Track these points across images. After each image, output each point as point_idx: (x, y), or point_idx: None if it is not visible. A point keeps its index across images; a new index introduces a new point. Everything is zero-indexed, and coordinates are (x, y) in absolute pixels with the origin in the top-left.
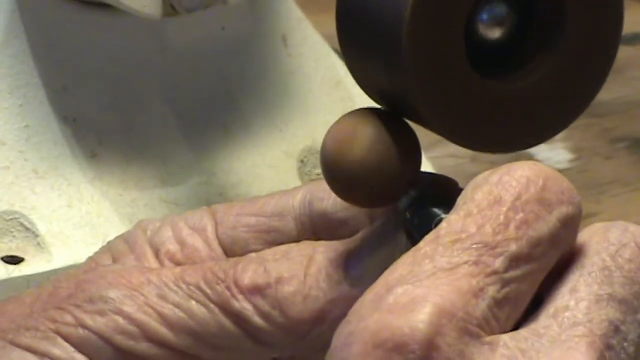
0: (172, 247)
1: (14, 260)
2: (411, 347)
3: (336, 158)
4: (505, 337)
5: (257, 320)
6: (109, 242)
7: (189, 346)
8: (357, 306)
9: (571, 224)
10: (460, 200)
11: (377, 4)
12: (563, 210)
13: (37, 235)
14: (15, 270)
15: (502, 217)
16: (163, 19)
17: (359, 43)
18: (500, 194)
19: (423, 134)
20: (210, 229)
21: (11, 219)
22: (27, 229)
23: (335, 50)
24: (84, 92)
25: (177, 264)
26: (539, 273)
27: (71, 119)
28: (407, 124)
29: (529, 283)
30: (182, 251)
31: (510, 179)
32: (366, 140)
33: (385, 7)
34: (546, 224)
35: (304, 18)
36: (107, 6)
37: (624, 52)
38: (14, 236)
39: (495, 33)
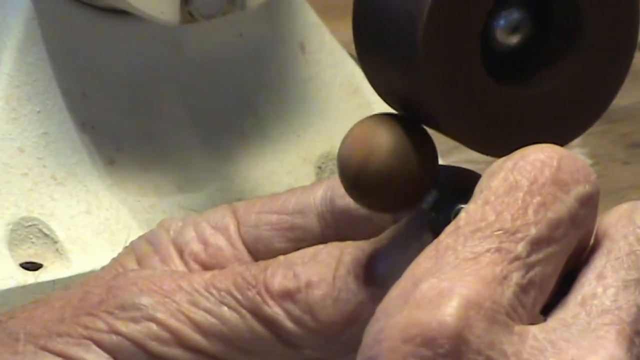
0: (196, 247)
1: (32, 266)
2: (440, 341)
3: (353, 165)
4: (535, 329)
5: (289, 324)
6: (132, 243)
7: (221, 351)
8: (384, 303)
9: (589, 202)
10: (477, 189)
11: (394, 10)
12: (580, 189)
13: (55, 242)
14: (34, 277)
15: (519, 202)
16: (181, 26)
17: (375, 49)
18: (516, 179)
19: (440, 140)
20: (232, 228)
21: (30, 226)
22: (45, 235)
23: (353, 57)
24: (102, 98)
25: (202, 264)
26: (561, 254)
27: (90, 126)
28: (423, 128)
29: (553, 265)
30: (205, 251)
31: (525, 163)
32: (384, 146)
33: (402, 13)
34: (564, 205)
35: (322, 25)
36: (125, 13)
37: None
38: (32, 242)
39: (512, 39)
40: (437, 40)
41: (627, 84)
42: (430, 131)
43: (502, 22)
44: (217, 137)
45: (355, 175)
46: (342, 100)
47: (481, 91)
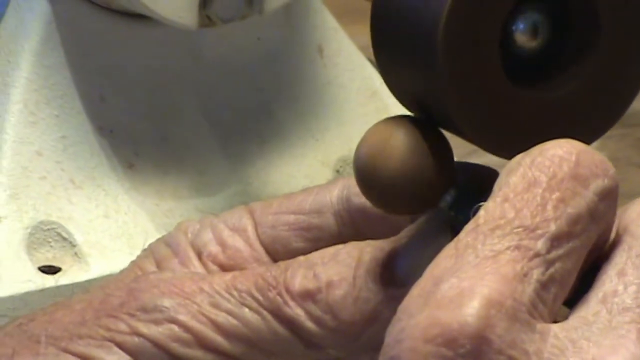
0: (214, 249)
1: (51, 270)
2: (461, 342)
3: (370, 166)
4: (556, 328)
5: (310, 325)
6: (150, 245)
7: (243, 352)
8: (405, 303)
9: (608, 196)
10: (496, 186)
11: (413, 13)
12: (599, 183)
13: (74, 245)
14: (52, 280)
15: (538, 198)
16: (199, 30)
17: (393, 51)
18: (535, 175)
19: (458, 144)
20: (250, 229)
21: (48, 229)
22: (64, 239)
23: (371, 61)
24: (120, 102)
25: (220, 265)
26: (581, 249)
27: (108, 130)
28: (439, 130)
29: (573, 261)
30: (224, 252)
31: (543, 159)
32: (400, 147)
33: (421, 16)
34: (583, 200)
35: (340, 29)
36: (143, 17)
37: None
38: (51, 246)
39: (531, 42)
40: (456, 43)
41: None
42: (447, 135)
43: (521, 25)
44: (235, 141)
45: (373, 178)
46: (360, 104)
47: (499, 94)
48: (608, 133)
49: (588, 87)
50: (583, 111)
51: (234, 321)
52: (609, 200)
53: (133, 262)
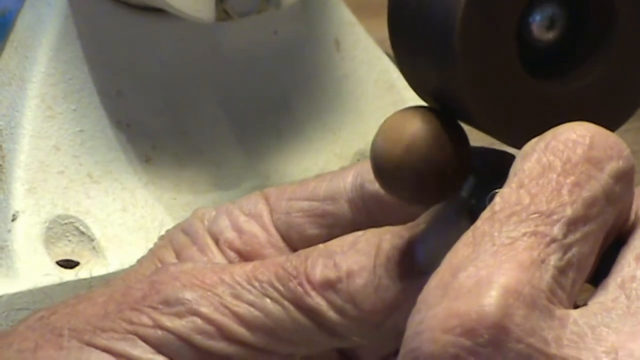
0: (230, 235)
1: (69, 264)
2: (479, 331)
3: (388, 157)
4: (575, 314)
5: (332, 314)
6: (167, 233)
7: (265, 343)
8: (424, 294)
9: (624, 177)
10: (511, 172)
11: (430, 5)
12: (614, 165)
13: (92, 240)
14: (71, 274)
15: (553, 183)
16: (216, 24)
17: (411, 43)
18: (549, 160)
19: (475, 137)
20: (266, 215)
21: (66, 223)
22: (82, 233)
23: (388, 55)
24: (137, 97)
25: (237, 251)
26: (599, 232)
27: (125, 124)
28: (455, 120)
29: (590, 244)
30: (240, 238)
31: (557, 143)
32: (418, 136)
33: (438, 8)
34: (598, 182)
35: (357, 22)
36: (160, 11)
37: None
38: (69, 240)
39: (547, 34)
40: (473, 35)
41: None
42: (464, 128)
43: (537, 17)
44: (252, 135)
45: (391, 168)
46: (377, 97)
47: (516, 86)
48: (627, 126)
49: (605, 79)
50: (600, 103)
51: (256, 312)
52: (624, 182)
53: (152, 251)
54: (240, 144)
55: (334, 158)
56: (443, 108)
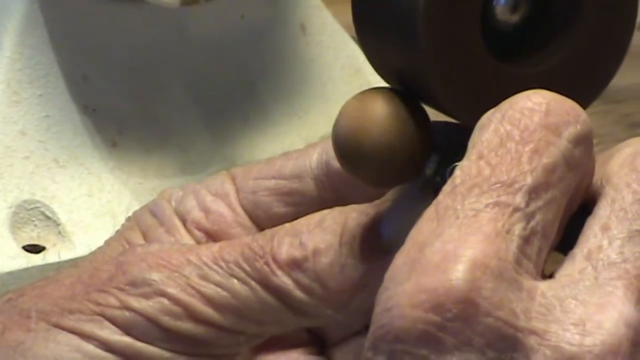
0: (197, 215)
1: (35, 249)
2: (448, 306)
3: (350, 139)
4: (543, 286)
5: (298, 294)
6: (134, 214)
7: (233, 323)
8: (391, 271)
9: (583, 142)
10: (470, 144)
11: None
12: (572, 130)
13: (58, 224)
14: (36, 259)
15: (512, 152)
16: (182, 8)
17: (374, 25)
18: (507, 129)
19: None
20: (232, 194)
21: (32, 208)
22: (48, 218)
23: (354, 39)
24: (104, 81)
25: (205, 231)
26: (561, 198)
27: (91, 109)
28: (418, 102)
29: (553, 211)
30: (207, 218)
31: (514, 112)
32: (380, 117)
33: None
34: (557, 148)
35: (323, 7)
36: None
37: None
38: (35, 225)
39: (512, 17)
40: (437, 17)
41: (628, 64)
42: (430, 111)
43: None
44: (219, 119)
45: (354, 151)
46: (343, 82)
47: (480, 69)
48: (592, 109)
49: (569, 62)
50: (565, 86)
51: (223, 293)
52: (583, 146)
53: (119, 233)
54: (207, 129)
55: (300, 142)
56: (406, 90)
